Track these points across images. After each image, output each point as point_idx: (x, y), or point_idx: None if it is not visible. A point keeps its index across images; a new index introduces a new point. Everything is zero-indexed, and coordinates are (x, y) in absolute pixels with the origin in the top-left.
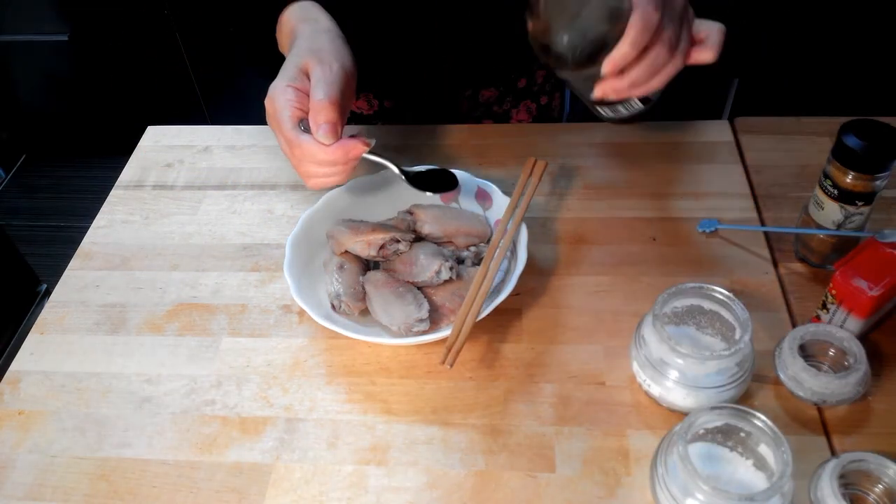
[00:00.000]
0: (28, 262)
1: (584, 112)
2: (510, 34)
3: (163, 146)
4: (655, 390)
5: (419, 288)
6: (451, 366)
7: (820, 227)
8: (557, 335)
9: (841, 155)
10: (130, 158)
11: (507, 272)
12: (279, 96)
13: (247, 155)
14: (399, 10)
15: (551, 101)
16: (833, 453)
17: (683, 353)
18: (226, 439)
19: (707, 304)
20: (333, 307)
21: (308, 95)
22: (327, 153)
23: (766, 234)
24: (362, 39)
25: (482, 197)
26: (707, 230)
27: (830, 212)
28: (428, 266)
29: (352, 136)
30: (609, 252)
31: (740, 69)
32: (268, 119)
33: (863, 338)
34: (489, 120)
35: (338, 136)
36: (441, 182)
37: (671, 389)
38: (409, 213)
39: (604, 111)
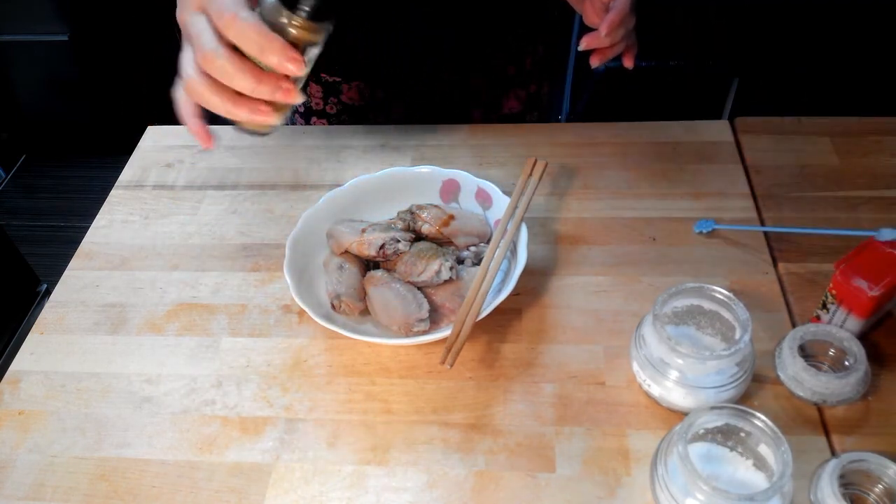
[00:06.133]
0: (28, 262)
1: (584, 112)
2: (500, 20)
3: (163, 146)
4: (655, 390)
5: (419, 288)
6: (451, 366)
7: None
8: (557, 335)
9: None
10: (130, 158)
11: (507, 272)
12: None
13: (247, 155)
14: None
15: (540, 89)
16: (833, 453)
17: (683, 353)
18: (226, 439)
19: (707, 304)
20: (333, 307)
21: None
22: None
23: (765, 234)
24: (352, 23)
25: (482, 197)
26: (703, 231)
27: None
28: (428, 266)
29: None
30: (609, 252)
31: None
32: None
33: (863, 338)
34: (479, 109)
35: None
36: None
37: (671, 389)
38: (409, 213)
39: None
